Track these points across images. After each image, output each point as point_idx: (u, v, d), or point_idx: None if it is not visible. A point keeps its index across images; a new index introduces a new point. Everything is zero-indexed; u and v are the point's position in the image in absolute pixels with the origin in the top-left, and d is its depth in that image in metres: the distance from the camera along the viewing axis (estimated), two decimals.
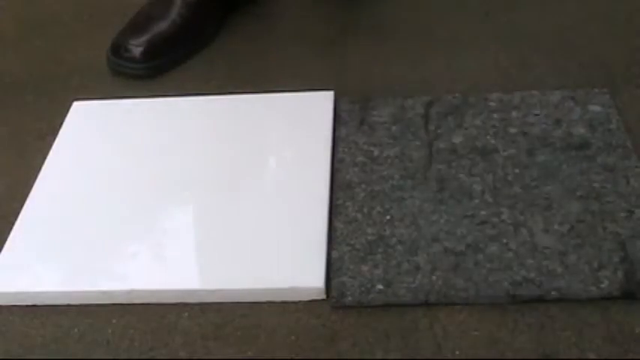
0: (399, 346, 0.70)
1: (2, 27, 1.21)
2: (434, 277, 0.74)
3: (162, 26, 1.06)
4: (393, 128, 0.91)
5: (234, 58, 1.08)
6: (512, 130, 0.89)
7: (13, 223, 0.84)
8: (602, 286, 0.72)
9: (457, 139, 0.88)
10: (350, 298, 0.73)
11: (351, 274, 0.75)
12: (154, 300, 0.75)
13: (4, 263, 0.80)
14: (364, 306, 0.73)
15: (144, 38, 1.05)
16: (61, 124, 0.97)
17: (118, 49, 1.04)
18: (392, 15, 1.13)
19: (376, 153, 0.88)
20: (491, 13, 1.11)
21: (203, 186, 0.86)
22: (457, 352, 0.69)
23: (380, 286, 0.73)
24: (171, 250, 0.79)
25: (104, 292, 0.76)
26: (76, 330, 0.74)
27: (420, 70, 1.02)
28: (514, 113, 0.91)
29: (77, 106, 0.99)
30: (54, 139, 0.94)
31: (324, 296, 0.74)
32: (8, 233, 0.83)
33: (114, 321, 0.74)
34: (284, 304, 0.74)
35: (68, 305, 0.76)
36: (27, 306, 0.76)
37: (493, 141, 0.87)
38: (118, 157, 0.91)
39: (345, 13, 1.15)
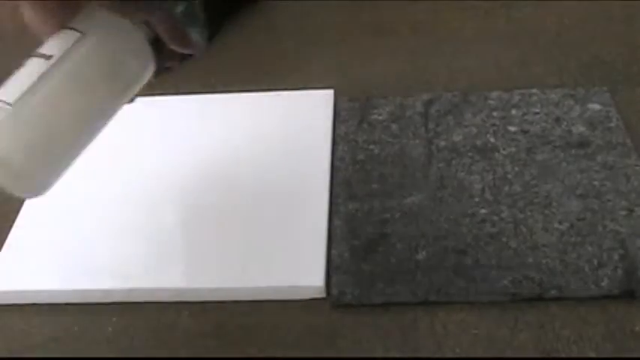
0: (399, 344, 0.70)
1: (2, 27, 1.21)
2: (434, 276, 0.74)
3: None
4: (393, 126, 0.91)
5: (234, 57, 1.08)
6: (512, 129, 0.89)
7: (13, 222, 0.84)
8: (602, 284, 0.72)
9: (457, 138, 0.88)
10: (350, 297, 0.73)
11: (351, 273, 0.75)
12: (154, 298, 0.75)
13: (4, 262, 0.80)
14: (364, 304, 0.73)
15: None
16: None
17: None
18: (392, 14, 1.13)
19: (376, 151, 0.88)
20: (491, 11, 1.11)
21: (202, 184, 0.86)
22: (457, 351, 0.69)
23: (380, 285, 0.73)
24: (171, 248, 0.79)
25: (104, 291, 0.76)
26: (76, 329, 0.74)
27: (419, 68, 1.02)
28: (514, 111, 0.91)
29: None
30: None
31: (324, 295, 0.74)
32: (8, 232, 0.83)
33: (114, 320, 0.74)
34: (284, 303, 0.74)
35: (68, 304, 0.76)
36: (27, 305, 0.76)
37: (493, 139, 0.87)
38: (117, 155, 0.91)
39: (345, 13, 1.14)
